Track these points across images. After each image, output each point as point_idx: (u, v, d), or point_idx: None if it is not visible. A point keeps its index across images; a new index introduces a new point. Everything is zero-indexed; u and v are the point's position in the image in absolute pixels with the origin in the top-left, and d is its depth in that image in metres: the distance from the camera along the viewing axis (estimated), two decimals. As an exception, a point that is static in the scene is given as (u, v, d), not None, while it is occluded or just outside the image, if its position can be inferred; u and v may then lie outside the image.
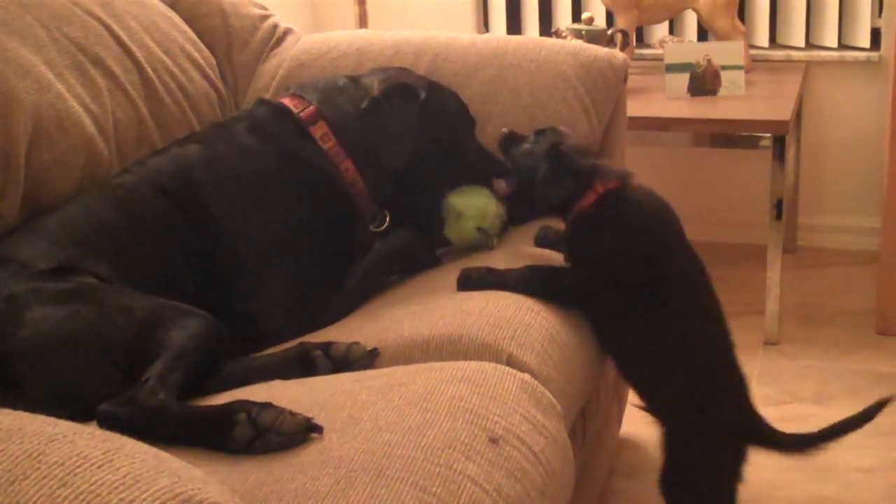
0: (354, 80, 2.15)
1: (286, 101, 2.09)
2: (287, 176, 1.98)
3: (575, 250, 1.91)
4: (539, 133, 1.99)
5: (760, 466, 1.99)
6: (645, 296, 1.83)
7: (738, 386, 1.90)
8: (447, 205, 2.07)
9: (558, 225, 2.00)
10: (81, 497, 0.86)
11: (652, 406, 1.94)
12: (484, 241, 2.06)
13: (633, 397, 1.98)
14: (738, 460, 1.90)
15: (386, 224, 2.09)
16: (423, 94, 2.10)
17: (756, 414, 1.92)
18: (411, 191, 2.10)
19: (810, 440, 1.90)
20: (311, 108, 2.06)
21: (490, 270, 1.89)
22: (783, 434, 1.91)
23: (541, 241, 2.04)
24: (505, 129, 2.05)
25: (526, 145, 1.98)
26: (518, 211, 2.09)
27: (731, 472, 1.90)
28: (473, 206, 2.07)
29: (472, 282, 1.87)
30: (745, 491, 1.97)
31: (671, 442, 1.92)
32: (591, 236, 1.86)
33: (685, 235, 1.92)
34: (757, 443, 1.90)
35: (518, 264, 1.92)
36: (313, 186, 2.00)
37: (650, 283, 1.83)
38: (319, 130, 2.04)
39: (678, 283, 1.86)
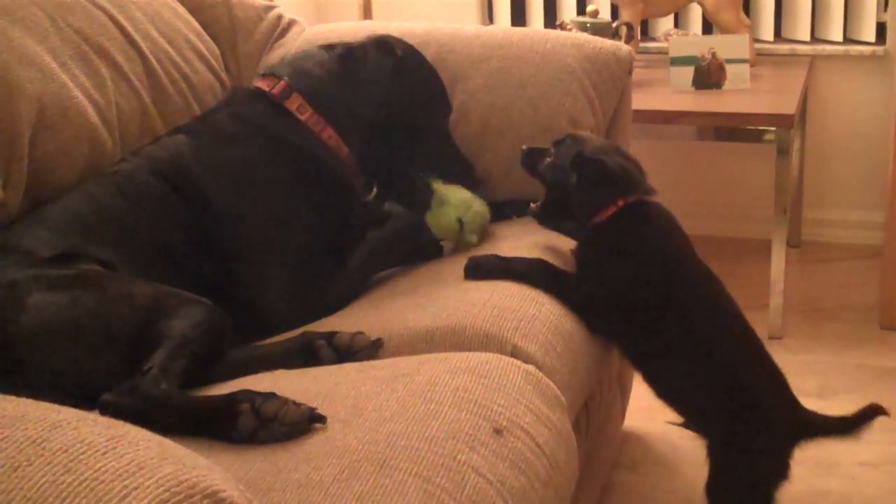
0: (327, 46, 2.15)
1: (259, 83, 2.09)
2: (273, 158, 1.98)
3: (584, 262, 1.90)
4: (558, 144, 1.95)
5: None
6: (657, 313, 1.83)
7: (777, 383, 1.89)
8: (434, 193, 2.07)
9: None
10: (85, 484, 0.85)
11: (694, 421, 1.94)
12: (461, 237, 2.04)
13: (668, 416, 1.97)
14: (787, 462, 1.89)
15: (374, 193, 2.09)
16: (399, 52, 2.11)
17: (801, 406, 1.90)
18: (388, 154, 2.09)
19: (857, 419, 1.88)
20: (282, 82, 2.05)
21: (498, 258, 1.89)
22: (830, 418, 1.90)
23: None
24: (524, 147, 2.02)
25: (549, 159, 1.95)
26: (545, 221, 2.05)
27: (780, 476, 1.88)
28: (458, 196, 2.07)
29: (480, 269, 1.87)
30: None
31: (719, 452, 1.91)
32: (602, 252, 1.86)
33: (694, 251, 1.91)
34: (811, 435, 1.89)
35: (526, 254, 1.92)
36: (301, 164, 1.99)
37: (661, 301, 1.83)
38: (294, 103, 2.03)
39: (692, 295, 1.85)
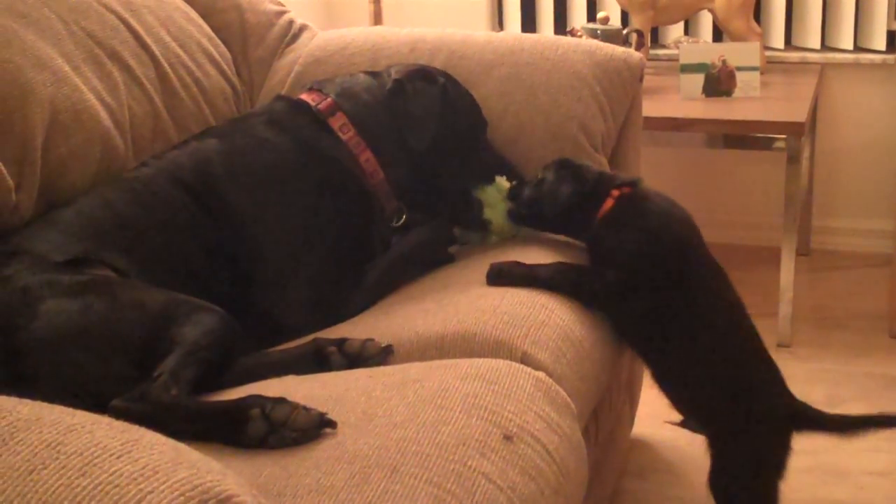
0: (373, 74, 2.16)
1: (304, 96, 2.10)
2: (306, 167, 1.98)
3: (600, 254, 1.93)
4: (554, 166, 2.01)
5: (773, 469, 1.99)
6: (673, 293, 1.85)
7: (773, 374, 1.91)
8: (488, 190, 2.08)
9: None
10: (100, 487, 0.86)
11: (694, 413, 1.95)
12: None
13: (669, 416, 1.99)
14: (784, 452, 1.91)
15: (403, 220, 2.09)
16: (441, 80, 2.13)
17: (795, 398, 1.92)
18: (429, 181, 2.11)
19: (855, 422, 1.90)
20: (329, 99, 2.07)
21: (519, 264, 1.89)
22: (827, 414, 1.92)
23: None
24: (514, 181, 2.08)
25: (546, 176, 2.00)
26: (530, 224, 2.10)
27: (779, 465, 1.91)
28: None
29: (502, 276, 1.87)
30: (757, 493, 1.96)
31: (718, 445, 1.93)
32: (614, 238, 1.89)
33: (700, 233, 1.94)
34: (803, 426, 1.91)
35: (543, 259, 1.93)
36: (332, 178, 1.99)
37: (676, 279, 1.86)
38: (338, 121, 2.04)
39: (702, 278, 1.88)
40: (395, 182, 2.06)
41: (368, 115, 2.07)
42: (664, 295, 1.85)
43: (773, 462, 1.91)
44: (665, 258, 1.86)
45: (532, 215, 2.03)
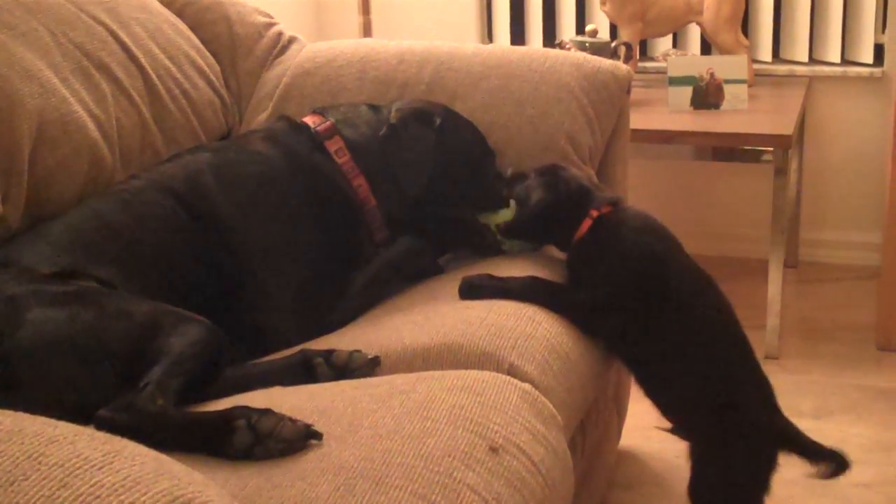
0: (375, 108, 2.18)
1: (306, 119, 2.13)
2: (295, 180, 1.99)
3: (576, 275, 1.94)
4: (538, 172, 2.03)
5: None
6: (651, 312, 1.85)
7: (761, 389, 1.91)
8: (503, 213, 2.08)
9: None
10: (81, 499, 0.86)
11: (678, 422, 1.95)
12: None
13: (657, 421, 1.99)
14: (768, 468, 1.90)
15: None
16: (438, 121, 2.11)
17: (782, 415, 1.92)
18: (426, 215, 2.11)
19: (826, 456, 1.89)
20: (328, 123, 2.09)
21: (491, 277, 1.90)
22: (808, 440, 1.91)
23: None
24: (510, 170, 2.08)
25: (527, 182, 2.02)
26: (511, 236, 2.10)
27: (762, 481, 1.90)
28: None
29: (474, 289, 1.88)
30: (743, 505, 1.96)
31: (700, 454, 1.93)
32: (589, 263, 1.91)
33: (683, 249, 1.94)
34: (786, 446, 1.90)
35: (519, 272, 1.93)
36: (322, 190, 2.01)
37: (653, 298, 1.85)
38: (334, 145, 2.06)
39: (682, 295, 1.88)
40: (386, 212, 2.07)
41: (366, 146, 2.08)
42: (636, 316, 1.86)
43: (755, 477, 1.91)
44: (638, 285, 1.86)
45: (521, 227, 2.04)
